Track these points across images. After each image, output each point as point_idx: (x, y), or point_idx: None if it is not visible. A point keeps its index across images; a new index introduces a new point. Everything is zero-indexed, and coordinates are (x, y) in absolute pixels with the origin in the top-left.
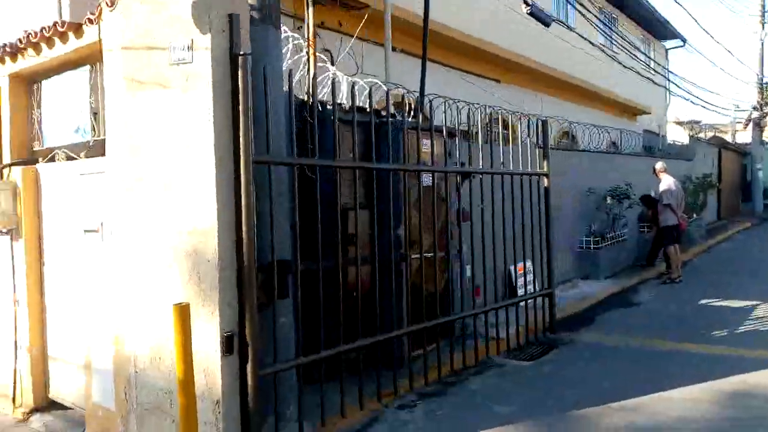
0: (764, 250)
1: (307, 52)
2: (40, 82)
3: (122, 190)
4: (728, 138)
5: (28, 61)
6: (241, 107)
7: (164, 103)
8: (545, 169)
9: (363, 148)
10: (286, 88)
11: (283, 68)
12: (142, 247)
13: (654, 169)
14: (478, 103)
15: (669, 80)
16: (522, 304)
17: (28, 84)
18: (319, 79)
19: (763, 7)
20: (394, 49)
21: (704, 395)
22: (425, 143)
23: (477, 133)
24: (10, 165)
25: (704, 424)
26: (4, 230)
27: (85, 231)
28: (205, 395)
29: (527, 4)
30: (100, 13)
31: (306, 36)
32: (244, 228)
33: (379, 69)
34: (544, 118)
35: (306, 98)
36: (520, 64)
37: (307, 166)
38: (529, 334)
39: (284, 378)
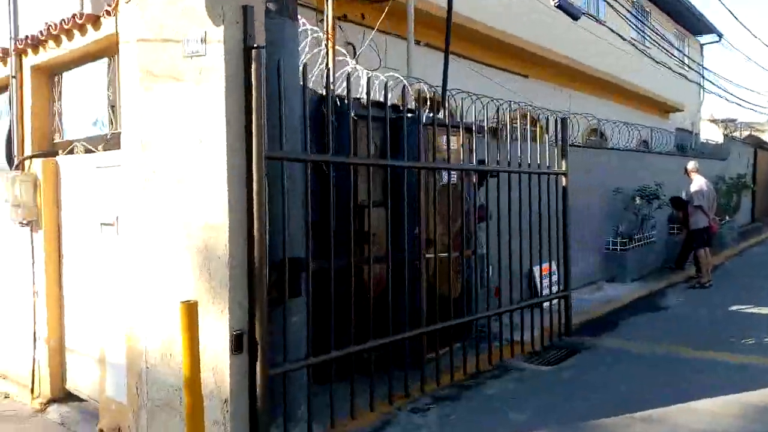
0: None
1: (326, 46)
2: (61, 75)
3: (136, 183)
4: (765, 137)
5: (49, 53)
6: (254, 101)
7: (178, 96)
8: (564, 168)
9: (382, 145)
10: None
11: (302, 62)
12: (155, 241)
13: (685, 169)
14: (501, 99)
15: (703, 77)
16: (544, 306)
17: (49, 76)
18: (338, 73)
19: None
20: (417, 43)
21: (731, 408)
22: (445, 140)
23: (498, 130)
24: (31, 157)
25: None
26: (25, 222)
27: (102, 224)
28: (213, 394)
29: None
30: (116, 5)
31: (325, 29)
32: (255, 224)
33: (402, 63)
34: (564, 116)
35: (325, 94)
36: (547, 58)
37: (323, 163)
38: (551, 337)
39: (294, 378)
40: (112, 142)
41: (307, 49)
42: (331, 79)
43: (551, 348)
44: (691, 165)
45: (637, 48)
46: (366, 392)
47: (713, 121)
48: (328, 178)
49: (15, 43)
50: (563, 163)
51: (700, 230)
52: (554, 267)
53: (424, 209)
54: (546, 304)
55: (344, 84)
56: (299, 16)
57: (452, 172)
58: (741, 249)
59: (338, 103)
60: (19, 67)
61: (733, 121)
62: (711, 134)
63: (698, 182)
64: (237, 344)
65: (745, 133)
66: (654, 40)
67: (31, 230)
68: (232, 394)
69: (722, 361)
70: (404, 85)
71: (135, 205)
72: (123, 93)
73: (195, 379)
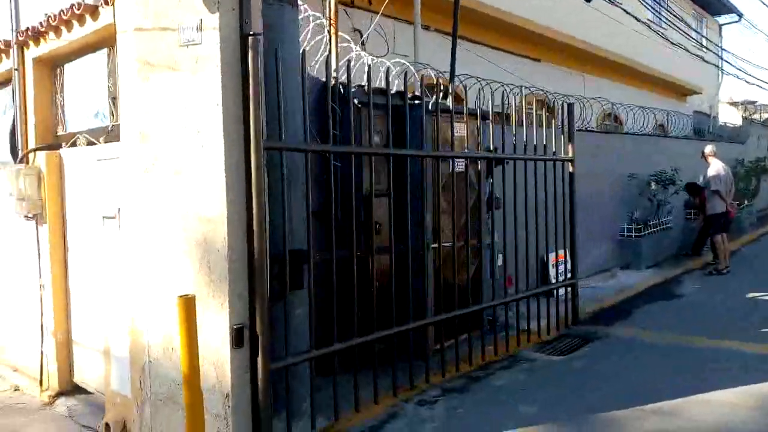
0: None
1: (329, 32)
2: (63, 66)
3: (135, 176)
4: None
5: (50, 44)
6: (251, 90)
7: (174, 86)
8: (570, 155)
9: (387, 133)
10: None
11: (305, 49)
12: (155, 234)
13: (702, 153)
14: (512, 84)
15: (722, 58)
16: (556, 295)
17: (51, 68)
18: (343, 60)
19: None
20: (427, 28)
21: (747, 399)
22: (456, 127)
23: (503, 116)
24: (34, 150)
25: None
26: (30, 215)
27: (104, 217)
28: (215, 388)
29: None
30: None
31: (327, 14)
32: (254, 216)
33: (412, 49)
34: (571, 101)
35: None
36: (560, 41)
37: (326, 152)
38: (563, 326)
39: (297, 371)
40: (113, 133)
41: (309, 35)
42: (334, 66)
43: (563, 337)
44: (709, 149)
45: (652, 29)
46: (377, 384)
47: (732, 103)
48: (335, 168)
49: (17, 36)
50: (570, 149)
51: (717, 215)
52: (567, 255)
53: (431, 198)
54: (561, 294)
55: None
56: (300, 2)
57: (459, 160)
58: (759, 234)
59: (342, 91)
60: (22, 59)
61: (752, 103)
62: (730, 117)
63: (716, 166)
64: (237, 338)
65: (765, 116)
66: (671, 22)
67: (36, 223)
68: (234, 388)
69: (739, 351)
70: (405, 72)
71: (135, 197)
72: (121, 84)
73: (194, 374)
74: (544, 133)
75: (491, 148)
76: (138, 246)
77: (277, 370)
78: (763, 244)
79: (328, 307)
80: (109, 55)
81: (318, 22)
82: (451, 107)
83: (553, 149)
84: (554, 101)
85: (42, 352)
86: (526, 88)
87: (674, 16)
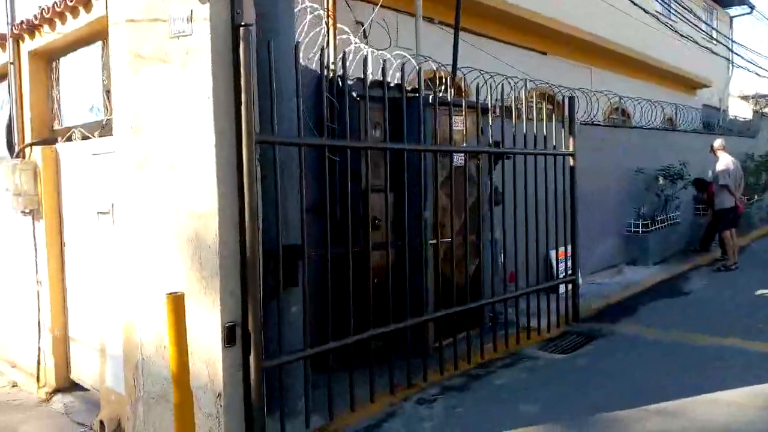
0: None
1: (326, 23)
2: (58, 60)
3: (128, 170)
4: None
5: (45, 37)
6: (242, 82)
7: (166, 78)
8: (571, 149)
9: (389, 127)
10: (303, 62)
11: (304, 41)
12: (147, 230)
13: (711, 147)
14: (516, 77)
15: (732, 51)
16: (561, 292)
17: (47, 62)
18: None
19: None
20: (431, 21)
21: (754, 399)
22: (456, 120)
23: (502, 109)
24: (31, 144)
25: None
26: (27, 210)
27: (98, 213)
28: (207, 387)
29: None
30: None
31: (325, 5)
32: (246, 211)
33: (415, 42)
34: (571, 94)
35: (326, 74)
36: (567, 34)
37: (322, 146)
38: (567, 323)
39: (291, 370)
40: (107, 127)
41: (306, 27)
42: (332, 59)
43: (567, 334)
44: (718, 143)
45: (661, 21)
46: (376, 381)
47: (743, 97)
48: (332, 163)
49: (12, 29)
50: (571, 142)
51: (725, 210)
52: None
53: (431, 193)
54: (565, 290)
55: (351, 65)
56: None
57: (458, 154)
58: None
59: (340, 83)
60: (17, 52)
61: (763, 96)
62: (740, 111)
63: (725, 160)
64: (229, 336)
65: None
66: (680, 14)
67: (33, 219)
68: (226, 387)
69: (746, 349)
70: (404, 64)
71: (128, 192)
72: (113, 76)
73: (183, 373)
74: (545, 127)
75: (490, 142)
76: (131, 242)
77: (271, 369)
78: None
79: (325, 305)
80: (103, 48)
81: (316, 13)
82: (449, 100)
83: (554, 143)
84: (559, 95)
85: (39, 349)
86: (531, 81)
87: (683, 7)
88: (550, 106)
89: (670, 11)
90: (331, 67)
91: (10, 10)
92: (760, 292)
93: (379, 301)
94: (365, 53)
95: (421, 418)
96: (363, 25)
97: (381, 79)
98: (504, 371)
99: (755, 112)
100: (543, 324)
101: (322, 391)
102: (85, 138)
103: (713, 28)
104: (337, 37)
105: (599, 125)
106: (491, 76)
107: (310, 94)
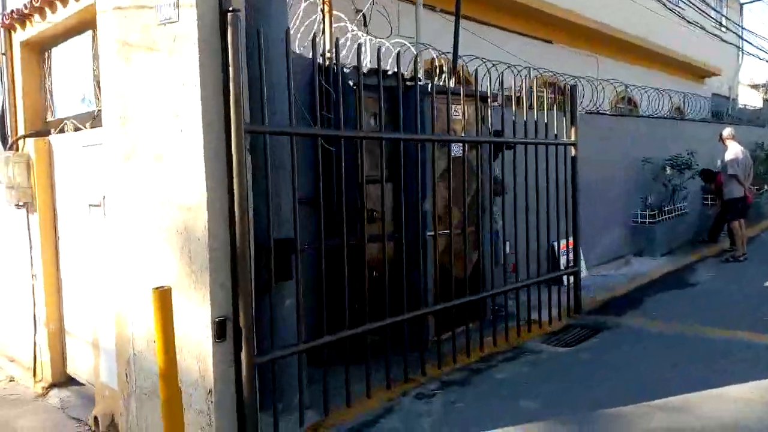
0: None
1: (322, 10)
2: (50, 50)
3: (117, 162)
4: None
5: (36, 27)
6: (231, 70)
7: (153, 67)
8: (573, 138)
9: (387, 116)
10: (299, 50)
11: (298, 30)
12: (136, 223)
13: (720, 136)
14: (519, 65)
15: (742, 38)
16: (565, 284)
17: (39, 52)
18: (341, 41)
19: None
20: (433, 9)
21: (763, 394)
22: (454, 109)
23: (508, 98)
24: (24, 137)
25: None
26: (21, 203)
27: (90, 205)
28: (198, 383)
29: None
30: None
31: None
32: (236, 203)
33: (424, 32)
34: (573, 83)
35: (322, 62)
36: (572, 21)
37: (315, 136)
38: (570, 315)
39: (284, 365)
40: (98, 118)
41: (301, 15)
42: (328, 47)
43: (570, 327)
44: (727, 132)
45: (667, 8)
46: (374, 376)
47: (753, 86)
48: (329, 154)
49: (3, 18)
50: (573, 132)
51: (734, 200)
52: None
53: (429, 184)
54: (571, 282)
55: (347, 53)
56: None
57: (458, 144)
58: None
59: (336, 71)
60: (9, 43)
61: None
62: (750, 99)
63: (734, 150)
64: (220, 331)
65: None
66: (689, 1)
67: (27, 212)
68: (216, 383)
69: (755, 343)
70: (399, 52)
71: (117, 184)
72: (102, 66)
73: (170, 369)
74: (545, 116)
75: (490, 132)
76: (121, 234)
77: (263, 365)
78: None
79: (322, 298)
80: (93, 38)
81: (311, 0)
82: (447, 88)
83: (555, 132)
84: (564, 83)
85: (35, 343)
86: (535, 69)
87: None
88: (554, 95)
89: None
90: (327, 55)
91: (1, 0)
92: None
93: (378, 294)
94: (360, 40)
95: (420, 414)
96: (362, 12)
97: (372, 68)
98: (505, 365)
99: (766, 100)
100: (546, 316)
101: (320, 386)
102: (77, 129)
103: (723, 15)
104: (334, 25)
105: (605, 114)
106: (493, 65)
107: (305, 83)
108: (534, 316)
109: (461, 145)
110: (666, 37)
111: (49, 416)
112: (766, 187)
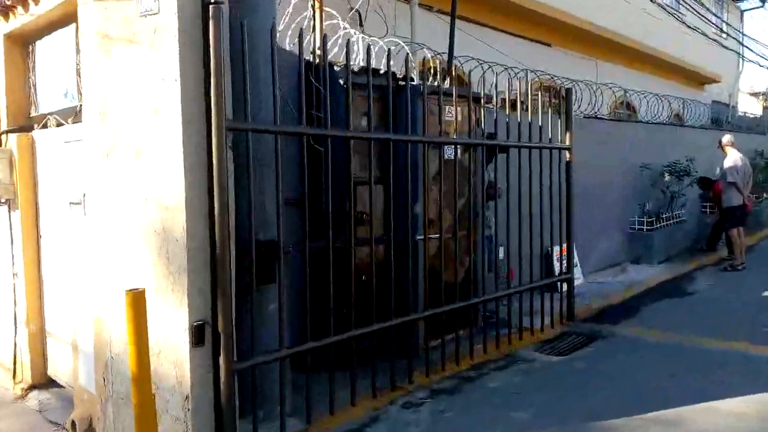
0: None
1: (312, 6)
2: (34, 44)
3: (96, 159)
4: None
5: (19, 19)
6: (212, 64)
7: (133, 61)
8: (568, 143)
9: (379, 117)
10: (287, 47)
11: (289, 27)
12: (115, 222)
13: (719, 143)
14: (516, 68)
15: (743, 44)
16: (559, 291)
17: (22, 46)
18: (332, 39)
19: None
20: (429, 9)
21: (759, 408)
22: (448, 110)
23: (502, 100)
24: (6, 132)
25: None
26: (2, 200)
27: (71, 203)
28: (175, 389)
29: None
30: None
31: None
32: (215, 203)
33: (420, 32)
34: (568, 86)
35: (312, 59)
36: (571, 25)
37: (300, 135)
38: (563, 323)
39: (266, 371)
40: (81, 114)
41: (291, 9)
42: (315, 43)
43: (565, 335)
44: (726, 139)
45: (668, 12)
46: (360, 383)
47: (753, 94)
48: (318, 155)
49: None
50: (567, 136)
51: (733, 208)
52: (568, 248)
53: (420, 187)
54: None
55: (337, 50)
56: None
57: (450, 146)
58: None
59: (327, 70)
60: None
61: None
62: (750, 107)
63: (733, 157)
64: (197, 336)
65: None
66: (689, 5)
67: (9, 209)
68: (194, 389)
69: (753, 354)
70: (389, 50)
71: (96, 182)
72: (83, 59)
73: (143, 375)
74: (540, 119)
75: (483, 134)
76: (100, 234)
77: (244, 371)
78: None
79: (308, 303)
80: (76, 31)
81: None
82: (439, 89)
83: (550, 136)
84: (562, 87)
85: (15, 344)
86: (532, 72)
87: None
88: (553, 99)
89: (678, 2)
90: (318, 52)
91: None
92: (767, 293)
93: (366, 299)
94: (352, 38)
95: (407, 423)
96: (356, 11)
97: (373, 66)
98: (497, 374)
99: (766, 108)
100: (540, 324)
101: (305, 393)
102: (59, 125)
103: (724, 21)
104: (326, 22)
105: (603, 119)
106: (490, 66)
107: (296, 80)
108: (527, 323)
109: (453, 147)
110: (666, 43)
111: (26, 419)
112: (765, 195)
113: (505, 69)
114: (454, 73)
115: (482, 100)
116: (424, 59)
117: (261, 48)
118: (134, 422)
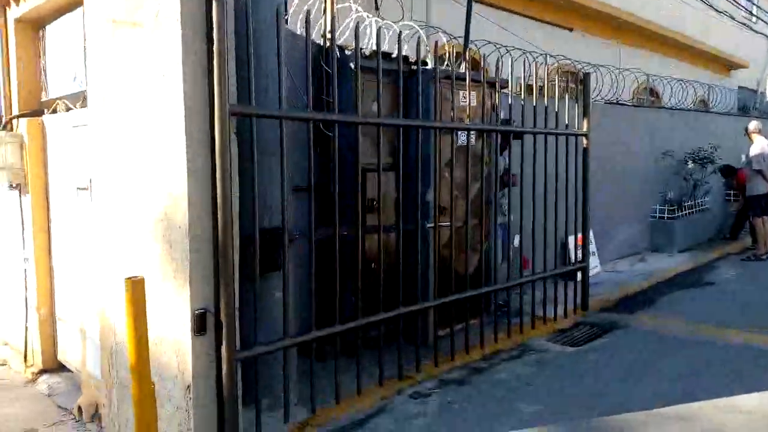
0: None
1: None
2: (45, 28)
3: (101, 145)
4: None
5: (30, 3)
6: (215, 47)
7: (137, 44)
8: (585, 129)
9: (392, 102)
10: (297, 31)
11: (299, 10)
12: (118, 208)
13: (746, 130)
14: (535, 52)
15: None
16: (577, 280)
17: (33, 30)
18: (345, 22)
19: None
20: None
21: None
22: (462, 95)
23: (519, 84)
24: (18, 116)
25: None
26: (14, 185)
27: (78, 189)
28: (177, 378)
29: None
30: None
31: None
32: (218, 189)
33: (431, 15)
34: (587, 71)
35: (323, 43)
36: (593, 9)
37: (307, 120)
38: (579, 313)
39: (272, 360)
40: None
41: None
42: (326, 27)
43: (580, 325)
44: (753, 125)
45: None
46: (369, 372)
47: None
48: (327, 140)
49: None
50: (585, 122)
51: (758, 197)
52: (591, 236)
53: (432, 174)
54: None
55: (348, 34)
56: None
57: (463, 132)
58: None
59: (338, 54)
60: (4, 19)
61: None
62: None
63: (760, 144)
64: (200, 324)
65: None
66: None
67: (20, 194)
68: (195, 378)
69: None
70: (400, 33)
71: (101, 168)
72: (88, 44)
73: (142, 364)
74: (556, 105)
75: (499, 120)
76: (104, 220)
77: (248, 360)
78: None
79: (317, 291)
80: (84, 15)
81: None
82: (452, 73)
83: (566, 122)
84: (581, 72)
85: (26, 328)
86: (552, 57)
87: None
88: (572, 85)
89: None
90: (329, 36)
91: None
92: None
93: (378, 287)
94: (365, 21)
95: (413, 414)
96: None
97: (388, 51)
98: (508, 364)
99: None
100: (555, 313)
101: (317, 382)
102: (68, 110)
103: (754, 3)
104: (338, 5)
105: (625, 104)
106: (507, 50)
107: (303, 64)
108: (541, 312)
109: (466, 133)
110: (691, 27)
111: (35, 403)
112: None
113: (523, 54)
114: (468, 57)
115: (497, 85)
116: (436, 43)
117: (267, 31)
118: (134, 414)
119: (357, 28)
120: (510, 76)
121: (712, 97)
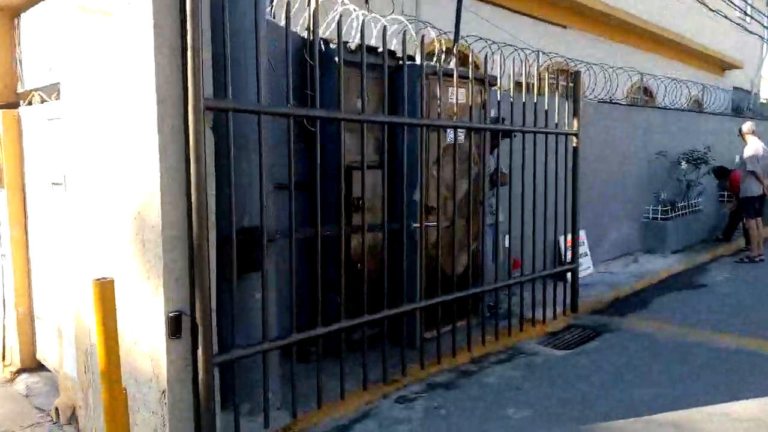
0: None
1: None
2: (20, 16)
3: (74, 139)
4: None
5: None
6: (189, 37)
7: (108, 33)
8: (575, 128)
9: (377, 98)
10: (280, 24)
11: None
12: (91, 205)
13: (740, 131)
14: (527, 49)
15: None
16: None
17: (8, 18)
18: (330, 16)
19: None
20: None
21: None
22: (451, 92)
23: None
24: None
25: None
26: None
27: (52, 184)
28: (152, 382)
29: None
30: None
31: None
32: (193, 187)
33: (423, 11)
34: (578, 69)
35: (307, 36)
36: (588, 7)
37: (286, 116)
38: (569, 315)
39: (251, 363)
40: None
41: None
42: (311, 20)
43: (571, 328)
44: (747, 126)
45: None
46: (353, 376)
47: None
48: (312, 137)
49: None
50: (575, 122)
51: (751, 198)
52: (583, 236)
53: (419, 172)
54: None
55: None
56: None
57: (450, 130)
58: None
59: (322, 47)
60: None
61: None
62: None
63: (754, 145)
64: (174, 327)
65: None
66: None
67: None
68: (171, 383)
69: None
70: (385, 27)
71: (74, 163)
72: (62, 33)
73: (112, 369)
74: (546, 103)
75: (488, 118)
76: (78, 217)
77: (225, 363)
78: None
79: (298, 292)
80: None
81: None
82: (439, 69)
83: (556, 121)
84: (572, 70)
85: (4, 326)
86: (545, 54)
87: None
88: (563, 83)
89: None
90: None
91: None
92: None
93: (362, 289)
94: (351, 15)
95: (398, 420)
96: None
97: (375, 46)
98: (497, 367)
99: None
100: (547, 315)
101: (299, 385)
102: (43, 101)
103: (748, 3)
104: None
105: (618, 104)
106: (499, 47)
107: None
108: (532, 314)
109: (454, 130)
110: (686, 27)
111: (13, 404)
112: None
113: (516, 50)
114: (458, 53)
115: (486, 82)
116: (423, 38)
117: (246, 20)
118: (104, 420)
119: (340, 20)
120: (500, 73)
121: (707, 97)
